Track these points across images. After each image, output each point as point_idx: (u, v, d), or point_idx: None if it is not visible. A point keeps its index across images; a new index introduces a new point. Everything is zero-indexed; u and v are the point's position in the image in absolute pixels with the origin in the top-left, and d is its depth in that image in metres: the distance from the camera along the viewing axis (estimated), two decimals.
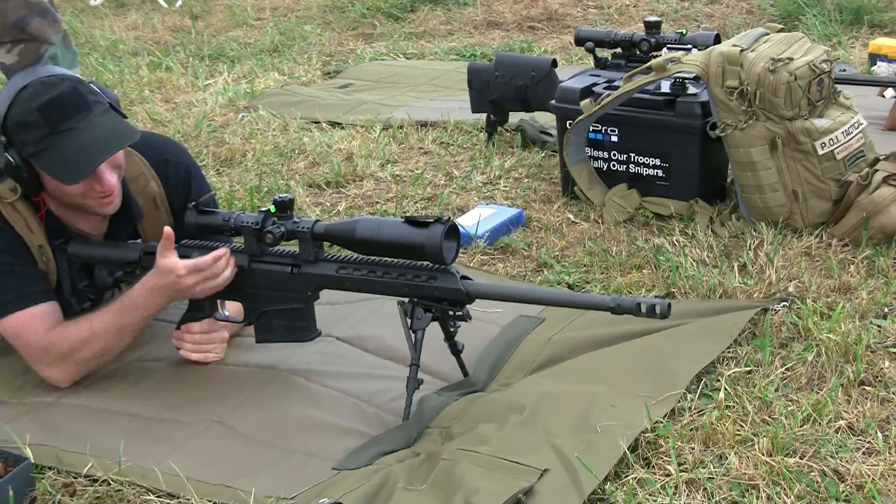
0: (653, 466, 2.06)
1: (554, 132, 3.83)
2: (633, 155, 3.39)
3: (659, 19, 3.85)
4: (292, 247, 2.41)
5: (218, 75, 5.56)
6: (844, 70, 4.22)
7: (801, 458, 2.05)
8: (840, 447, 2.10)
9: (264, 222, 2.36)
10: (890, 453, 2.07)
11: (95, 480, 2.13)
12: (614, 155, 3.43)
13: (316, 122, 4.51)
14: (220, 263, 2.38)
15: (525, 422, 2.16)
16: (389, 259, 2.29)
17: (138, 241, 2.60)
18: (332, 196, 3.73)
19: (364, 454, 2.17)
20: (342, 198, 3.70)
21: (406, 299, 2.28)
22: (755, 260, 2.92)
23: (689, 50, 3.52)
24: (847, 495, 1.96)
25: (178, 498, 2.06)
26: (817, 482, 1.99)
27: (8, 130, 2.33)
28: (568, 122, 3.40)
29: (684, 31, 3.81)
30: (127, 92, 5.17)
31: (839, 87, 3.22)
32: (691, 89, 3.27)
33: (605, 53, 3.95)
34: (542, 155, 3.95)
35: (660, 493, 1.98)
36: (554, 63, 3.98)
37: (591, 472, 1.98)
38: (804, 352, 2.44)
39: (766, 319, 2.58)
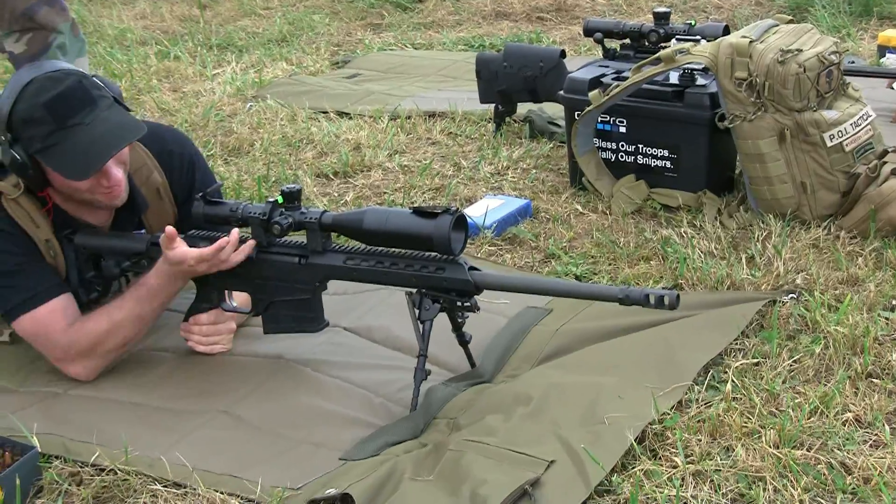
0: (660, 458, 2.06)
1: (562, 123, 3.83)
2: (641, 146, 3.38)
3: (668, 10, 3.85)
4: (300, 237, 2.41)
5: (226, 65, 5.56)
6: (853, 62, 4.21)
7: (808, 451, 2.05)
8: (847, 440, 2.09)
9: (272, 213, 2.35)
10: None
11: (102, 470, 2.13)
12: (622, 146, 3.42)
13: (324, 112, 4.51)
14: (227, 249, 2.35)
15: (532, 413, 2.16)
16: (397, 250, 2.29)
17: (143, 231, 2.59)
18: (340, 186, 3.72)
19: (371, 445, 2.17)
20: (350, 188, 3.69)
21: (414, 290, 2.28)
22: (763, 252, 2.92)
23: (697, 41, 3.50)
24: (854, 488, 1.96)
25: (184, 487, 2.07)
26: (824, 475, 1.99)
27: (13, 127, 2.30)
28: (576, 113, 3.40)
29: (693, 22, 3.80)
30: (135, 81, 5.18)
31: (848, 78, 3.21)
32: (700, 80, 3.26)
33: (613, 44, 3.94)
34: (550, 146, 3.94)
35: (667, 484, 1.97)
36: (562, 54, 3.97)
37: (598, 464, 1.98)
38: (812, 344, 2.44)
39: (774, 311, 2.57)
